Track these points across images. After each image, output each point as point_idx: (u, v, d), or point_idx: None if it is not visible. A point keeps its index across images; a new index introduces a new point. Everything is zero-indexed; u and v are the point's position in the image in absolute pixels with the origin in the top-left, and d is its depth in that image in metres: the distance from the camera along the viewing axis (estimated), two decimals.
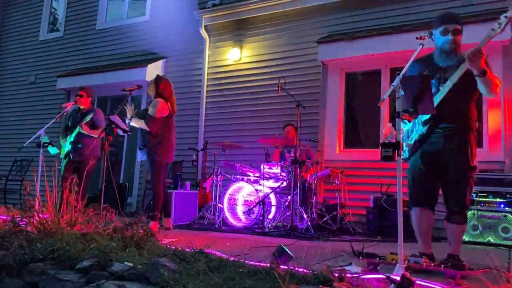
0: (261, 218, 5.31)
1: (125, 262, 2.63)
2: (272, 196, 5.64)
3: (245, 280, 2.37)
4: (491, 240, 4.70)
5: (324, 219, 5.50)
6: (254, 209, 5.43)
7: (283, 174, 5.61)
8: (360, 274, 2.27)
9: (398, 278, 2.12)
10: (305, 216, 5.26)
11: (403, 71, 2.55)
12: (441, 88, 2.87)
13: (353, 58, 6.44)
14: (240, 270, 2.52)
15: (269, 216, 5.53)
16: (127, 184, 7.75)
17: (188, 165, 7.36)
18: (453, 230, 2.90)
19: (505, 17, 2.71)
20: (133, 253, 2.77)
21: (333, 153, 6.48)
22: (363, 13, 6.62)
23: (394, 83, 2.45)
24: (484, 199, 4.83)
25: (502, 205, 4.74)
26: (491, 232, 4.72)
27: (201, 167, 7.21)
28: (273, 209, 5.70)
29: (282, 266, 2.47)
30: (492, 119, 5.52)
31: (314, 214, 5.43)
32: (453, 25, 2.95)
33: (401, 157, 2.44)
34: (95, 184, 7.38)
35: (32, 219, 3.39)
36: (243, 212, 5.55)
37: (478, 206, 4.78)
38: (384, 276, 2.20)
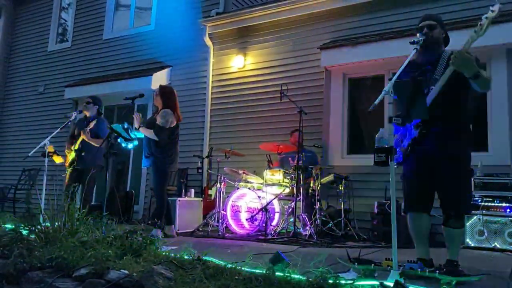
0: (264, 225, 5.29)
1: (121, 270, 2.64)
2: (275, 202, 5.63)
3: (240, 287, 2.37)
4: (497, 245, 4.62)
5: (328, 226, 5.47)
6: (257, 215, 5.41)
7: (286, 180, 5.59)
8: (354, 281, 2.25)
9: (391, 285, 2.11)
10: (308, 222, 5.24)
11: (396, 76, 2.54)
12: (431, 90, 2.85)
13: (356, 64, 6.44)
14: (236, 277, 2.52)
15: (272, 223, 5.50)
16: (133, 192, 7.79)
17: (193, 172, 7.38)
18: (449, 235, 2.87)
19: (486, 18, 2.67)
20: (130, 261, 2.78)
21: (337, 159, 6.45)
22: (365, 18, 6.63)
23: (386, 88, 2.44)
24: (489, 204, 4.76)
25: (508, 210, 4.67)
26: (497, 237, 4.65)
27: (206, 174, 7.22)
28: (277, 215, 5.69)
29: (277, 273, 2.46)
30: (497, 123, 5.46)
31: (318, 220, 5.40)
32: (425, 22, 3.00)
33: (395, 162, 2.42)
34: (102, 192, 7.43)
35: (34, 227, 3.42)
36: (246, 219, 5.54)
37: (484, 211, 4.72)
38: (378, 283, 2.19)
